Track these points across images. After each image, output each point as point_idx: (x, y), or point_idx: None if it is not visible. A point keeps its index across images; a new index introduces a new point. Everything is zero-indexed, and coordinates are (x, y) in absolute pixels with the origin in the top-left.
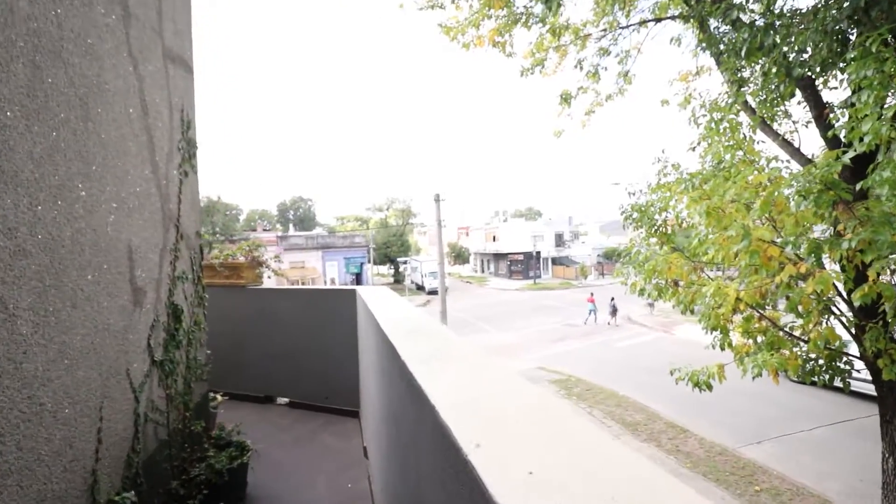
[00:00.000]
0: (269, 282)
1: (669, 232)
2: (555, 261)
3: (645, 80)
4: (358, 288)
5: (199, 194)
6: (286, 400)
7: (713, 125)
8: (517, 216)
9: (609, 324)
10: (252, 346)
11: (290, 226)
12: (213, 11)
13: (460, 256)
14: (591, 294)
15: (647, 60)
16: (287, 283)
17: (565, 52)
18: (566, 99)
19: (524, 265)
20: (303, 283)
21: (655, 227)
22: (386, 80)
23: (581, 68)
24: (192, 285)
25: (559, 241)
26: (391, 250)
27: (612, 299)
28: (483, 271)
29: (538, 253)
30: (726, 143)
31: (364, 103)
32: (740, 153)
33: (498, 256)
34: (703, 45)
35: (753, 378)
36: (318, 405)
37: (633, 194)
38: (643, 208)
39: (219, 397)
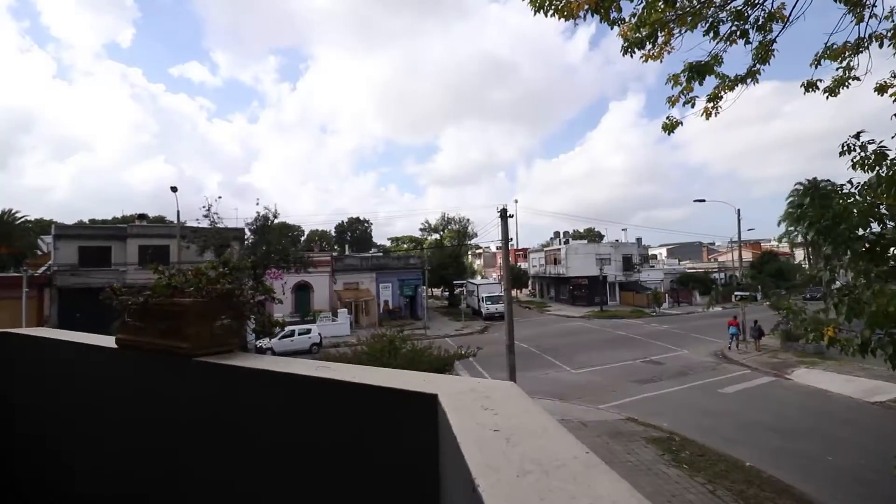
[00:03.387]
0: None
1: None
2: (623, 286)
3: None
4: (442, 389)
5: None
6: None
7: None
8: (576, 238)
9: (758, 349)
10: None
11: (346, 247)
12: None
13: (518, 280)
14: (735, 317)
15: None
16: (340, 306)
17: (682, 21)
18: (699, 73)
19: (588, 290)
20: (356, 306)
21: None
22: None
23: (715, 34)
24: None
25: (627, 264)
26: (446, 272)
27: (756, 322)
28: (543, 296)
29: (605, 277)
30: None
31: (418, 125)
32: None
33: (559, 280)
34: None
35: None
36: None
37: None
38: (845, 211)
39: None
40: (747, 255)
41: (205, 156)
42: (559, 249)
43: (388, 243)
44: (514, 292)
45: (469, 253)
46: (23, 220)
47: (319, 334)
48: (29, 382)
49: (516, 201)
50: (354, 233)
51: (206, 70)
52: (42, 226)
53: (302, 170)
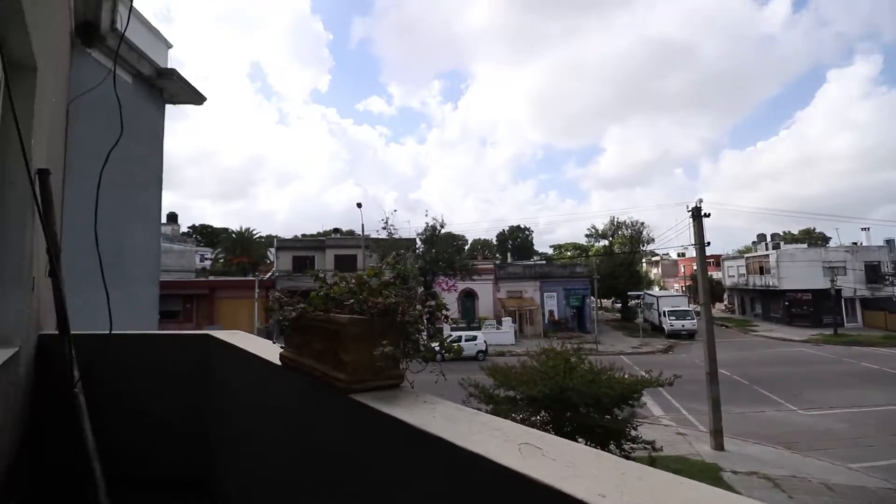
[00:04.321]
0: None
1: None
2: (867, 303)
3: None
4: None
5: None
6: None
7: None
8: (788, 241)
9: None
10: None
11: (508, 255)
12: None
13: (711, 292)
14: None
15: None
16: (504, 314)
17: None
18: None
19: (813, 307)
20: (519, 314)
21: None
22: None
23: None
24: None
25: (873, 274)
26: (617, 282)
27: None
28: (743, 312)
29: (838, 291)
30: None
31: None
32: None
33: (768, 294)
34: None
35: None
36: None
37: None
38: None
39: None
40: None
41: (383, 176)
42: (767, 256)
43: (550, 251)
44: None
45: (644, 261)
46: (257, 236)
47: (485, 342)
48: (219, 382)
49: (701, 201)
50: (515, 241)
51: (384, 102)
52: (269, 241)
53: (464, 182)
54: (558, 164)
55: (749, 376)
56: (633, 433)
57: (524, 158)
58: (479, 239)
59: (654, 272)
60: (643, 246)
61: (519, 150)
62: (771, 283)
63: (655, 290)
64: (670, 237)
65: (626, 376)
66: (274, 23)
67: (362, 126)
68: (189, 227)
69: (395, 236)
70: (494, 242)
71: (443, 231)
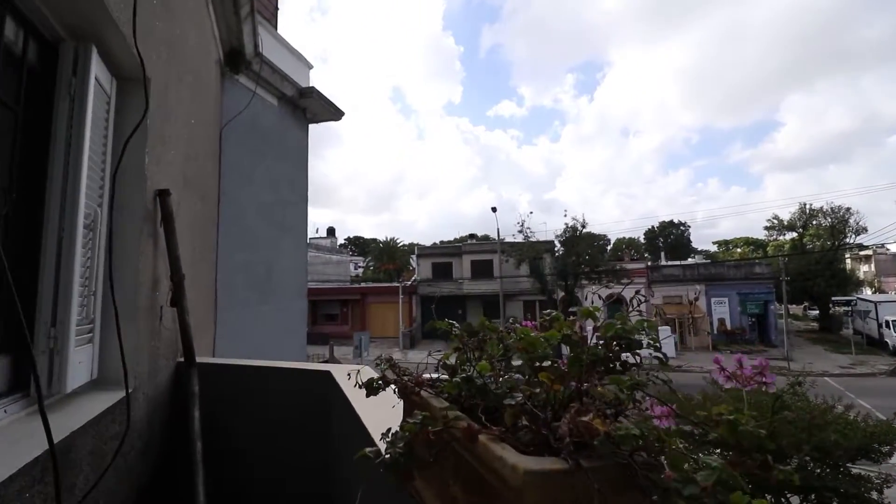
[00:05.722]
0: None
1: None
2: None
3: None
4: None
5: None
6: None
7: None
8: None
9: None
10: None
11: (662, 255)
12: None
13: None
14: None
15: None
16: (661, 323)
17: None
18: None
19: None
20: (680, 323)
21: None
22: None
23: None
24: None
25: None
26: (813, 283)
27: None
28: None
29: None
30: None
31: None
32: None
33: None
34: None
35: None
36: None
37: None
38: None
39: None
40: None
41: (516, 179)
42: None
43: (713, 248)
44: None
45: (847, 256)
46: (401, 245)
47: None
48: (335, 435)
49: None
50: (668, 238)
51: (514, 104)
52: (411, 248)
53: (603, 178)
54: (719, 147)
55: None
56: (874, 495)
57: (675, 145)
58: (623, 238)
59: (864, 270)
60: (850, 237)
61: (668, 137)
62: None
63: (867, 294)
64: (887, 227)
65: (856, 416)
66: (411, 47)
67: (494, 131)
68: (345, 240)
69: (532, 239)
70: (642, 241)
71: (584, 231)
